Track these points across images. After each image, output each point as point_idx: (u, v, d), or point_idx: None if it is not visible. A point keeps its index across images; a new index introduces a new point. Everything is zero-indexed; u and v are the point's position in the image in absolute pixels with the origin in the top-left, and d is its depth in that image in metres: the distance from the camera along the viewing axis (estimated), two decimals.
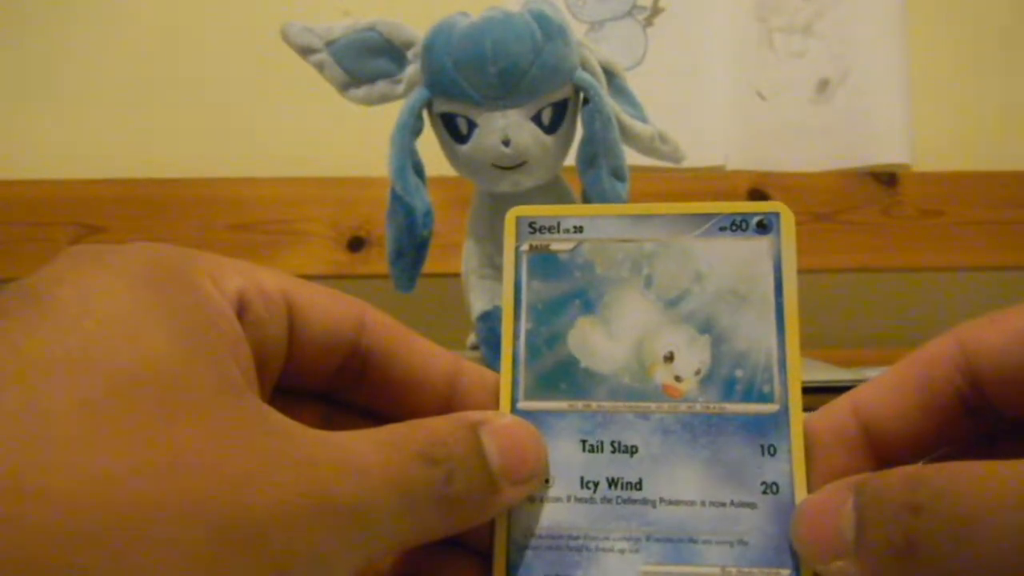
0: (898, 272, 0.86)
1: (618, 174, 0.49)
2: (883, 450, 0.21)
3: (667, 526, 0.21)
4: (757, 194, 0.83)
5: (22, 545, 0.13)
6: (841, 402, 0.21)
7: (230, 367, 0.17)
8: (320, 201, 0.83)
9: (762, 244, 0.22)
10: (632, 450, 0.22)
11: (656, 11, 0.85)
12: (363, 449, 0.18)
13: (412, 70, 0.49)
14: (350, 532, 0.17)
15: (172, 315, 0.17)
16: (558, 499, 0.22)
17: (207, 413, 0.16)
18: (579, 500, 0.21)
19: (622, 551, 0.21)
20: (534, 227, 0.24)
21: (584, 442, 0.22)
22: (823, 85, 0.85)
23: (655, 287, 0.23)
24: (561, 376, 0.22)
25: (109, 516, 0.14)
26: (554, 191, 0.51)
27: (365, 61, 0.50)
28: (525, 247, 0.24)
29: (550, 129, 0.48)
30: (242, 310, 0.19)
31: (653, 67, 0.84)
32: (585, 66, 0.48)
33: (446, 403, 0.23)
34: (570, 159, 0.50)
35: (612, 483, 0.21)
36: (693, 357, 0.22)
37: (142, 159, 0.86)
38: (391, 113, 0.49)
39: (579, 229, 0.23)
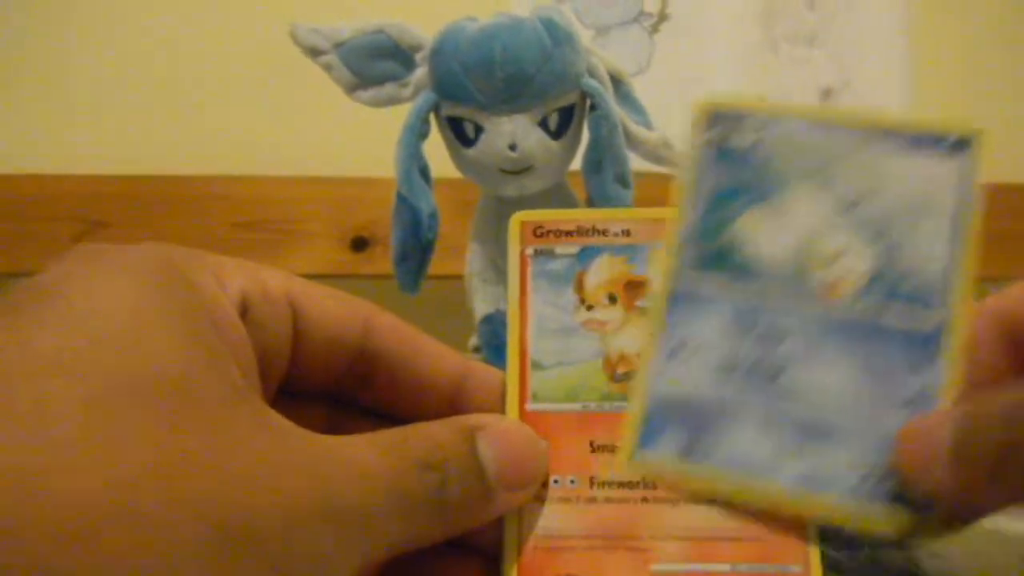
0: None
1: (623, 180, 0.49)
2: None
3: (803, 417, 0.21)
4: None
5: (27, 545, 0.13)
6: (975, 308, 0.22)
7: (233, 370, 0.18)
8: (323, 201, 0.83)
9: (952, 164, 0.22)
10: (781, 338, 0.21)
11: (662, 18, 0.85)
12: (364, 454, 0.18)
13: (420, 73, 0.49)
14: (350, 535, 0.17)
15: (177, 316, 0.17)
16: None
17: (210, 417, 0.16)
18: (719, 378, 0.21)
19: (756, 427, 0.21)
20: (718, 119, 0.23)
21: (735, 323, 0.22)
22: (826, 94, 0.85)
23: (834, 190, 0.22)
24: (724, 259, 0.22)
25: (113, 517, 0.14)
26: (559, 195, 0.52)
27: (373, 63, 0.50)
28: (709, 137, 0.23)
29: (557, 134, 0.48)
30: (244, 310, 0.20)
31: (659, 73, 0.84)
32: (592, 72, 0.48)
33: (453, 405, 0.23)
34: (575, 164, 0.51)
35: (754, 367, 0.21)
36: (860, 261, 0.22)
37: (146, 156, 0.86)
38: (395, 113, 0.49)
39: (764, 126, 0.23)
